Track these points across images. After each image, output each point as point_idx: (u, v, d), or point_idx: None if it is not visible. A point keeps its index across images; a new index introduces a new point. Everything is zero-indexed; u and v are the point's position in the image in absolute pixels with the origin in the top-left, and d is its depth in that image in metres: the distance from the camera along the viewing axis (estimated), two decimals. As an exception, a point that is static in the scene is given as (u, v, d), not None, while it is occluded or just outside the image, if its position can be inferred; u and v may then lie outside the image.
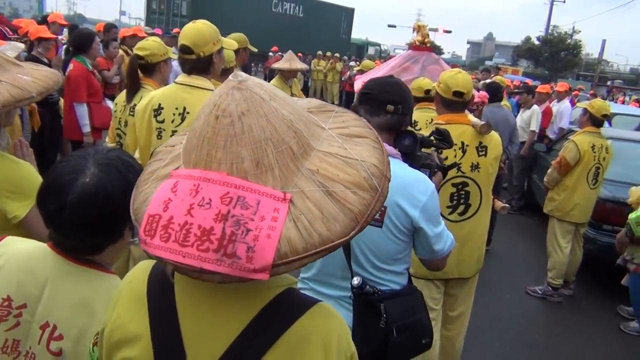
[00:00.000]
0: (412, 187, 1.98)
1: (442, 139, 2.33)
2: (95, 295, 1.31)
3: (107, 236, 1.35)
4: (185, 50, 2.77)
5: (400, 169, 1.98)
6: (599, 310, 5.35)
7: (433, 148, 2.33)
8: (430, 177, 2.15)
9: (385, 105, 2.02)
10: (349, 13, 30.01)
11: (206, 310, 0.95)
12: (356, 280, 1.88)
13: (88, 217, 1.28)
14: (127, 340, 0.99)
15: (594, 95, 15.95)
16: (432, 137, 2.32)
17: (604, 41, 39.33)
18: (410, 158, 2.09)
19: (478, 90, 7.86)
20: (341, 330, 0.99)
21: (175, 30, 11.31)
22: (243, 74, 0.91)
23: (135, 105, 3.41)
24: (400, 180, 1.91)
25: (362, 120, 1.04)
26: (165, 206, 0.86)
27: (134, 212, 0.95)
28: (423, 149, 2.23)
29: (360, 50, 29.52)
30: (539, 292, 5.48)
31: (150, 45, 3.54)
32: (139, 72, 3.50)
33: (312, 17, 26.50)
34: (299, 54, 17.27)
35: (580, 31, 56.05)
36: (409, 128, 2.17)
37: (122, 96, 3.63)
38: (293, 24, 25.36)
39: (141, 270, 1.07)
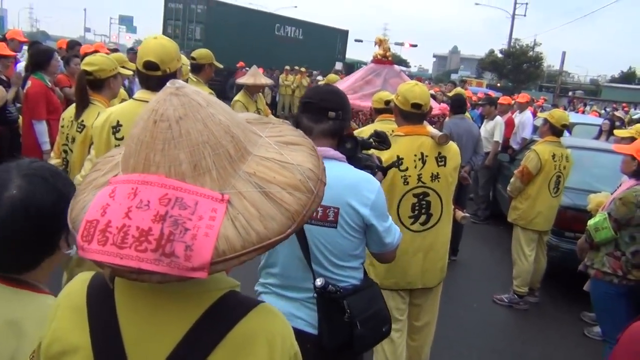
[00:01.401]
0: (361, 186, 2.10)
1: (381, 140, 2.44)
2: (24, 315, 1.25)
3: (44, 249, 1.30)
4: (151, 66, 2.69)
5: (348, 171, 2.11)
6: (564, 316, 5.44)
7: (372, 150, 2.45)
8: None
9: (327, 112, 2.12)
10: (343, 35, 32.62)
11: (148, 315, 0.95)
12: (319, 282, 1.99)
13: (21, 231, 1.24)
14: (67, 352, 0.98)
15: (555, 106, 16.35)
16: (371, 140, 2.44)
17: (563, 53, 40.36)
18: (353, 160, 2.20)
19: (443, 101, 8.01)
20: (285, 330, 1.00)
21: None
22: (180, 81, 0.93)
23: (82, 121, 3.35)
24: (349, 182, 2.07)
25: (298, 131, 1.07)
26: (103, 211, 0.86)
27: (72, 220, 0.94)
28: (363, 151, 2.35)
29: (351, 69, 30.82)
30: (506, 300, 5.55)
31: (98, 60, 3.47)
32: (88, 88, 3.42)
33: (310, 39, 29.11)
34: (261, 69, 17.67)
35: (541, 44, 57.57)
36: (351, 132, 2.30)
37: (69, 111, 3.54)
38: (294, 45, 28.04)
39: (80, 282, 1.06)
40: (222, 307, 0.95)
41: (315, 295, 2.04)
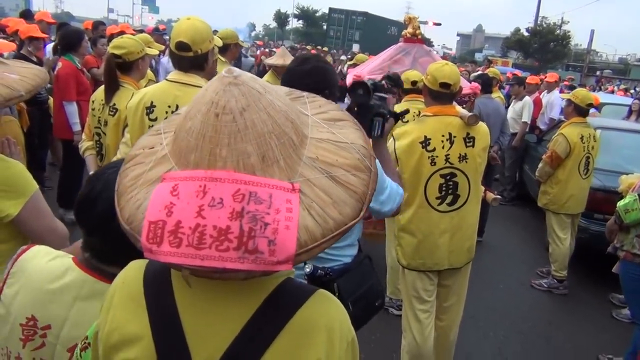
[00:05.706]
0: None
1: (394, 83, 2.37)
2: None
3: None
4: (182, 47, 2.70)
5: None
6: (591, 299, 5.40)
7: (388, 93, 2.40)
8: (383, 125, 2.22)
9: None
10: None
11: (207, 304, 0.95)
12: (308, 269, 1.96)
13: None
14: (126, 342, 0.97)
15: (583, 85, 15.98)
16: (383, 82, 2.39)
17: (592, 31, 39.36)
18: (365, 108, 2.14)
19: (470, 81, 7.91)
20: (342, 316, 1.00)
21: (162, 26, 11.48)
22: (236, 69, 0.91)
23: (114, 104, 3.39)
24: None
25: (332, 104, 1.06)
26: (168, 211, 0.83)
27: (126, 220, 0.91)
28: (377, 94, 2.29)
29: None
30: (545, 285, 5.48)
31: (126, 43, 3.50)
32: (117, 70, 3.46)
33: (400, 34, 40.61)
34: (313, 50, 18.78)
35: (568, 22, 56.36)
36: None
37: (99, 94, 3.56)
38: (392, 39, 39.73)
39: (134, 269, 1.04)
40: (280, 295, 0.95)
41: (305, 276, 2.00)
